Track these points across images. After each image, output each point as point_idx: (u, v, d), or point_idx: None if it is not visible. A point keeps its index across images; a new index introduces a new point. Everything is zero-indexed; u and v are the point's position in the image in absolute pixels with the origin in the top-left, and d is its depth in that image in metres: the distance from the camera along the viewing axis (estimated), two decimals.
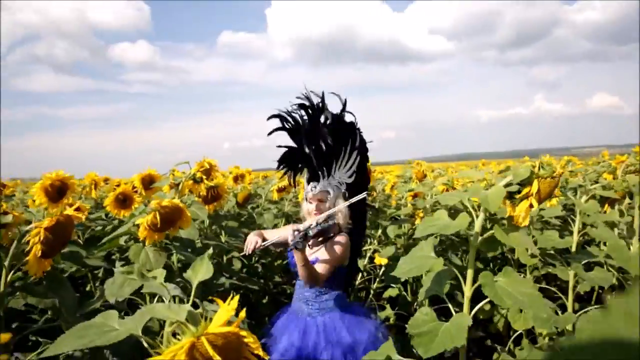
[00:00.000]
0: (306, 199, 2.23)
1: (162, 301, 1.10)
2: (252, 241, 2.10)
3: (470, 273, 1.43)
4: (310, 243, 2.15)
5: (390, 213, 3.68)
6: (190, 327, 0.83)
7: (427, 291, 1.52)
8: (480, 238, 1.42)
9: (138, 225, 2.12)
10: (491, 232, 1.39)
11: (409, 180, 3.93)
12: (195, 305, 0.91)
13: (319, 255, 2.12)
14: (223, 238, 3.26)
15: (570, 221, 2.53)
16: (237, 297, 0.88)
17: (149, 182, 3.23)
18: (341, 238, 2.19)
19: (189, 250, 2.62)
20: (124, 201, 3.04)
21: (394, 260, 3.41)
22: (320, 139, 2.16)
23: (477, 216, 1.44)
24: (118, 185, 3.32)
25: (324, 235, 2.13)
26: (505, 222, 1.40)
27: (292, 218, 4.22)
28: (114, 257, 2.78)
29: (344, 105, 2.21)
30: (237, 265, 3.04)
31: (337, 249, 2.15)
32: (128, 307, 2.26)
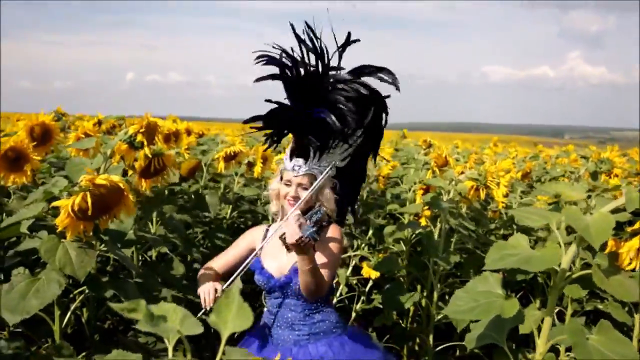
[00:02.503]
0: (281, 178, 2.29)
1: None
2: (208, 291, 2.11)
3: (548, 322, 1.54)
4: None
5: (391, 209, 3.76)
6: None
7: (479, 338, 1.61)
8: (568, 277, 1.52)
9: (54, 208, 2.06)
10: (584, 272, 1.49)
11: (422, 168, 4.02)
12: None
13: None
14: (153, 228, 3.23)
15: None
16: None
17: (42, 136, 3.12)
18: (335, 231, 2.27)
19: (119, 245, 2.59)
20: (15, 160, 2.92)
21: (388, 272, 3.52)
22: (328, 107, 2.17)
23: (564, 245, 1.52)
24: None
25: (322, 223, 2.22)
26: (603, 260, 1.50)
27: (244, 204, 4.23)
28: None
29: (371, 69, 2.23)
30: (178, 269, 3.04)
31: (334, 246, 2.22)
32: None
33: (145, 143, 2.68)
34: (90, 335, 2.50)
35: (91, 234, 2.20)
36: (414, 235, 3.63)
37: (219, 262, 2.33)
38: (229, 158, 3.65)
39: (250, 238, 2.37)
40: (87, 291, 2.29)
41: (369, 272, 3.54)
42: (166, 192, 3.47)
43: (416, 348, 3.69)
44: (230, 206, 3.97)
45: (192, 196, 3.63)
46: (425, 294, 3.45)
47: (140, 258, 3.23)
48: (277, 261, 2.25)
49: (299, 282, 2.11)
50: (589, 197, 3.60)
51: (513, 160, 7.67)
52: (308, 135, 2.21)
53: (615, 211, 1.48)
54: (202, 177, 3.78)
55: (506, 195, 3.61)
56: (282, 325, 2.22)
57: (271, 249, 2.25)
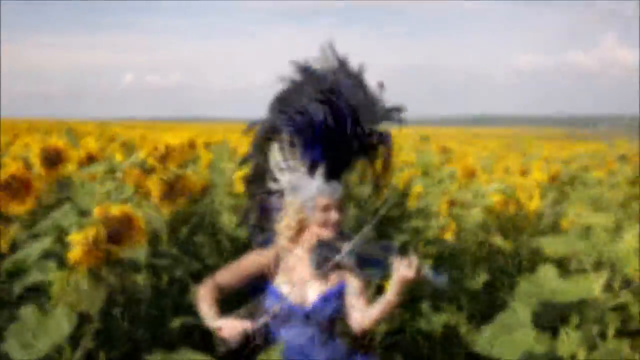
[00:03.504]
0: (314, 206, 2.21)
1: None
2: (234, 327, 2.06)
3: (582, 353, 1.53)
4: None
5: (414, 225, 3.72)
6: None
7: None
8: (602, 305, 1.51)
9: (63, 243, 2.11)
10: (620, 300, 1.48)
11: (448, 179, 4.01)
12: None
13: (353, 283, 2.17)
14: (163, 244, 3.23)
15: None
16: None
17: (54, 160, 3.18)
18: None
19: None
20: (16, 189, 2.97)
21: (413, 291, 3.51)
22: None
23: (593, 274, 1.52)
24: None
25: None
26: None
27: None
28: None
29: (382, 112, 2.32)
30: (193, 294, 3.07)
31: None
32: None
33: (158, 167, 2.73)
34: None
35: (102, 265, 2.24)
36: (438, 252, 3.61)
37: (225, 278, 2.27)
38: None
39: (262, 260, 2.29)
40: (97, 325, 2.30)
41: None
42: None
43: None
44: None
45: (206, 217, 3.66)
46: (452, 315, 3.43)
47: (152, 282, 3.24)
48: (299, 290, 2.21)
49: (328, 309, 2.13)
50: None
51: (542, 161, 7.64)
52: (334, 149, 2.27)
53: None
54: (217, 196, 3.81)
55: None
56: (297, 354, 2.18)
57: (288, 277, 2.22)
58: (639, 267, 1.39)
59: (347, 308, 2.17)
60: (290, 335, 2.20)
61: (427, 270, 1.97)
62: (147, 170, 2.69)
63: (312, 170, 2.25)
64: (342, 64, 2.32)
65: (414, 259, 1.98)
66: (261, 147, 2.38)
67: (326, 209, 2.20)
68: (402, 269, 1.97)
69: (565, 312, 3.12)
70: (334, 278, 2.19)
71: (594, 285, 1.47)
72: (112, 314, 2.33)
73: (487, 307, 3.32)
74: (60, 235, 2.21)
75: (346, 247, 2.11)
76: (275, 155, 2.33)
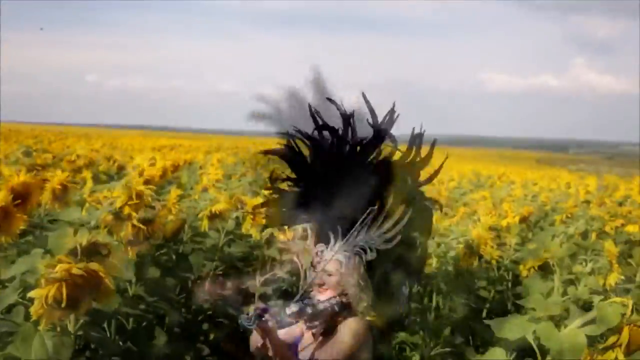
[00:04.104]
0: (311, 264, 2.18)
1: None
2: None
3: None
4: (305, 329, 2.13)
5: None
6: None
7: None
8: None
9: (28, 299, 2.14)
10: None
11: None
12: None
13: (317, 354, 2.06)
14: (131, 290, 3.28)
15: None
16: None
17: (22, 197, 3.20)
18: (350, 325, 2.06)
19: (103, 326, 2.68)
20: None
21: None
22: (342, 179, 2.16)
23: (539, 354, 1.64)
24: None
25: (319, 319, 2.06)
26: None
27: (229, 259, 4.32)
28: None
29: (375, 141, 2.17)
30: (159, 338, 3.13)
31: (340, 344, 2.03)
32: None
33: (133, 215, 2.79)
34: None
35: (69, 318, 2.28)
36: None
37: None
38: (213, 217, 3.73)
39: None
40: None
41: None
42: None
43: None
44: (213, 264, 4.05)
45: (174, 256, 3.71)
46: None
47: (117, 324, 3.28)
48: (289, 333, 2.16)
49: None
50: (581, 257, 3.77)
51: (511, 199, 7.86)
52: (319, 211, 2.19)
53: (589, 322, 1.59)
54: (185, 235, 3.87)
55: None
56: None
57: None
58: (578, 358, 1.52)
59: None
60: None
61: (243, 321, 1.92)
62: (122, 218, 2.75)
63: (317, 237, 2.21)
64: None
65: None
66: None
67: (314, 267, 2.16)
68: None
69: None
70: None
71: None
72: None
73: None
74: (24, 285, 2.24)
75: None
76: None
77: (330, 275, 2.11)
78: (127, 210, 2.74)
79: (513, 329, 1.69)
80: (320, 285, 2.12)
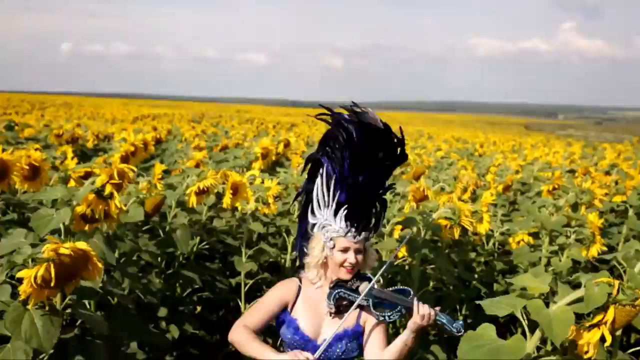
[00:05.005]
0: (333, 247, 2.32)
1: None
2: None
3: None
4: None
5: None
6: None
7: None
8: None
9: (17, 279, 2.17)
10: (547, 358, 1.68)
11: (399, 199, 4.19)
12: None
13: (373, 327, 2.29)
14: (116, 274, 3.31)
15: None
16: None
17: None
18: None
19: (89, 303, 2.72)
20: None
21: None
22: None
23: (529, 334, 1.71)
24: None
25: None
26: (566, 349, 1.68)
27: (214, 233, 4.36)
28: None
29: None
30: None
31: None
32: None
33: (115, 194, 2.80)
34: None
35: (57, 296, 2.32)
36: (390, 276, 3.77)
37: (253, 321, 2.35)
38: (201, 192, 3.75)
39: (283, 293, 2.41)
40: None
41: None
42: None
43: None
44: (198, 238, 4.08)
45: (161, 232, 3.74)
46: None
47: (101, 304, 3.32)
48: (315, 324, 2.32)
49: (340, 348, 2.25)
50: (566, 228, 3.86)
51: (497, 168, 7.94)
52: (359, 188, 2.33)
53: (576, 301, 1.65)
54: (170, 212, 3.88)
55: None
56: None
57: (307, 310, 2.34)
58: (565, 333, 1.58)
59: (364, 350, 2.29)
60: None
61: (441, 317, 2.13)
62: (104, 197, 2.76)
63: (337, 210, 2.32)
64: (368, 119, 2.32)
65: (427, 307, 2.14)
66: (310, 176, 2.48)
67: (345, 250, 2.30)
68: (417, 317, 2.13)
69: None
70: (351, 318, 2.29)
71: (525, 347, 1.65)
72: (69, 348, 2.41)
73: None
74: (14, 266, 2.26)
75: (363, 287, 2.23)
76: (317, 188, 2.39)
77: (360, 252, 2.34)
78: (108, 189, 2.75)
79: (502, 306, 1.74)
80: (348, 268, 2.32)
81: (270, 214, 4.30)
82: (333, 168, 2.35)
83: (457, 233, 3.46)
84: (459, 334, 2.05)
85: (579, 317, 1.67)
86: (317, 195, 2.39)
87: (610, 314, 1.60)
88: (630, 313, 1.60)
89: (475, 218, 3.61)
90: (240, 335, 2.29)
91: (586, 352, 1.64)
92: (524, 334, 1.76)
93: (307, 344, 2.27)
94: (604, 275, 1.70)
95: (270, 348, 2.22)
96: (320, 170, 2.40)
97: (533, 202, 4.64)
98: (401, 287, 2.28)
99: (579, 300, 1.66)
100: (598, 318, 1.62)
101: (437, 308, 2.17)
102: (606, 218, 5.01)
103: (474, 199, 5.20)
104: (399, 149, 2.33)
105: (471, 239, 4.43)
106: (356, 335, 2.29)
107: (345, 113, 2.33)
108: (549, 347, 1.73)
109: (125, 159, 4.73)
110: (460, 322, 2.08)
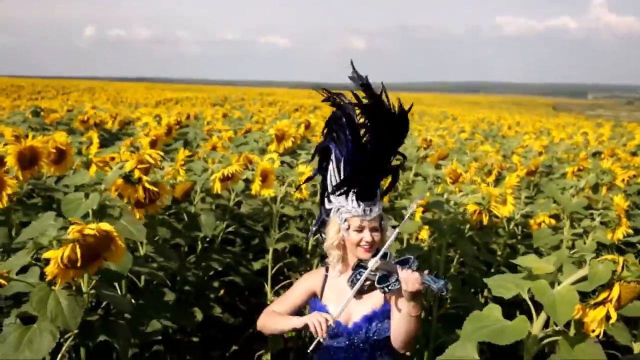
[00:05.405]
0: (348, 227, 2.38)
1: None
2: (319, 322, 2.20)
3: None
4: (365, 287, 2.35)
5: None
6: None
7: None
8: (538, 343, 1.75)
9: (43, 260, 2.26)
10: (553, 337, 1.73)
11: (430, 182, 4.24)
12: None
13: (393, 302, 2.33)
14: (142, 249, 3.42)
15: None
16: None
17: (30, 160, 3.31)
18: None
19: (115, 285, 2.81)
20: None
21: None
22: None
23: (535, 314, 1.77)
24: None
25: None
26: (571, 328, 1.73)
27: (239, 218, 4.46)
28: None
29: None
30: (169, 297, 3.27)
31: None
32: None
33: (144, 178, 2.89)
34: None
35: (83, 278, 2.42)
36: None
37: (281, 310, 2.46)
38: (225, 179, 3.82)
39: (310, 283, 2.51)
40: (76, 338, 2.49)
41: None
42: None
43: None
44: (225, 223, 4.17)
45: (186, 217, 3.83)
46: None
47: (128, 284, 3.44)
48: (345, 309, 2.36)
49: (371, 329, 2.32)
50: (590, 211, 3.86)
51: (523, 149, 7.89)
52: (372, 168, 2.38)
53: (582, 280, 1.70)
54: (196, 197, 3.97)
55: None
56: None
57: (336, 296, 2.41)
58: (570, 313, 1.63)
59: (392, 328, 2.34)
60: (337, 351, 2.39)
61: (426, 278, 2.14)
62: (132, 182, 2.85)
63: (347, 191, 2.38)
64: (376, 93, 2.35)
65: (408, 272, 2.16)
66: (321, 165, 2.55)
67: (360, 230, 2.37)
68: (402, 283, 2.16)
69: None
70: (379, 298, 2.36)
71: (528, 328, 1.71)
72: (94, 328, 2.51)
73: (458, 311, 3.60)
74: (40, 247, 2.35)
75: (371, 263, 2.27)
76: (330, 175, 2.46)
77: (376, 230, 2.40)
78: (137, 174, 2.84)
79: (509, 287, 1.79)
80: (365, 247, 2.39)
81: (301, 198, 4.35)
82: (340, 151, 2.42)
83: (485, 219, 3.48)
84: (443, 294, 2.10)
85: (585, 296, 1.71)
86: (331, 181, 2.45)
87: (615, 291, 1.64)
88: (636, 290, 1.64)
89: (499, 201, 3.63)
90: (268, 318, 2.42)
91: (593, 331, 1.69)
92: (530, 313, 1.81)
93: (338, 329, 2.33)
94: (630, 258, 1.73)
95: (295, 317, 2.33)
96: (331, 157, 2.46)
97: (556, 184, 4.64)
98: (404, 257, 2.32)
99: (585, 279, 1.70)
100: (603, 296, 1.66)
101: (426, 272, 2.18)
102: (633, 200, 4.99)
103: (498, 180, 5.23)
104: (400, 124, 2.34)
105: (493, 221, 4.47)
106: (387, 315, 2.34)
107: (348, 95, 2.39)
108: (556, 327, 1.77)
109: (153, 144, 4.82)
110: (443, 281, 2.10)
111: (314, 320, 2.21)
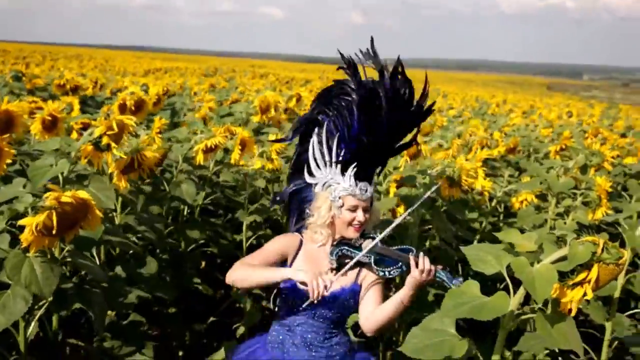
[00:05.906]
0: (341, 205, 2.35)
1: None
2: (318, 284, 2.14)
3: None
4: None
5: None
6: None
7: None
8: (515, 319, 1.76)
9: (18, 226, 2.24)
10: (529, 315, 1.74)
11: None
12: None
13: (370, 280, 2.34)
14: (117, 218, 3.38)
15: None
16: None
17: (5, 124, 3.27)
18: None
19: (97, 252, 2.79)
20: None
21: None
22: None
23: (512, 290, 1.77)
24: None
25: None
26: (549, 306, 1.73)
27: (219, 188, 4.44)
28: None
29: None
30: (150, 266, 3.26)
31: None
32: None
33: (113, 145, 2.85)
34: (56, 344, 2.73)
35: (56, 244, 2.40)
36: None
37: (256, 262, 2.36)
38: (208, 150, 3.79)
39: (286, 245, 2.44)
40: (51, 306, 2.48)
41: None
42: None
43: None
44: (204, 193, 4.14)
45: (166, 185, 3.80)
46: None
47: (105, 254, 3.41)
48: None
49: (334, 306, 2.31)
50: (575, 189, 3.88)
51: (510, 128, 7.91)
52: (367, 150, 2.39)
53: (562, 259, 1.70)
54: (177, 167, 3.94)
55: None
56: (300, 344, 2.37)
57: (307, 266, 2.34)
58: (548, 291, 1.63)
59: (359, 307, 2.34)
60: (296, 322, 2.38)
61: (441, 273, 2.16)
62: (101, 149, 2.81)
63: (344, 169, 2.36)
64: (382, 70, 2.40)
65: (427, 262, 2.15)
66: (303, 137, 2.52)
67: (353, 209, 2.34)
68: (416, 272, 2.14)
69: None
70: (350, 277, 2.35)
71: (508, 304, 1.71)
72: (67, 296, 2.50)
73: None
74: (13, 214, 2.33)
75: (366, 244, 2.28)
76: (314, 148, 2.42)
77: (367, 210, 2.39)
78: (105, 140, 2.79)
79: (489, 260, 1.79)
80: (355, 226, 2.38)
81: (274, 169, 4.33)
82: (336, 126, 2.39)
83: (457, 193, 3.48)
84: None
85: (564, 276, 1.72)
86: (315, 154, 2.42)
87: (594, 272, 1.64)
88: (614, 272, 1.65)
89: (471, 175, 3.62)
90: (242, 270, 2.30)
91: (570, 310, 1.69)
92: (509, 289, 1.81)
93: (304, 300, 2.26)
94: (605, 238, 1.73)
95: (289, 269, 2.28)
96: (317, 130, 2.44)
97: (540, 164, 4.64)
98: (404, 246, 2.32)
99: (564, 258, 1.70)
100: (582, 276, 1.67)
101: (439, 267, 2.19)
102: (617, 181, 5.01)
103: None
104: (418, 111, 2.40)
105: (475, 198, 4.46)
106: (353, 294, 2.34)
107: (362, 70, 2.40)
108: (534, 305, 1.77)
109: (123, 109, 4.72)
110: (460, 279, 2.10)
111: (317, 282, 2.13)
